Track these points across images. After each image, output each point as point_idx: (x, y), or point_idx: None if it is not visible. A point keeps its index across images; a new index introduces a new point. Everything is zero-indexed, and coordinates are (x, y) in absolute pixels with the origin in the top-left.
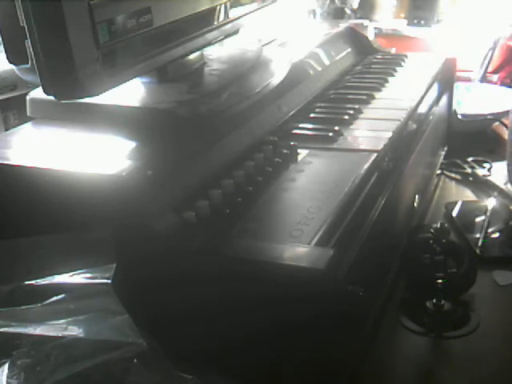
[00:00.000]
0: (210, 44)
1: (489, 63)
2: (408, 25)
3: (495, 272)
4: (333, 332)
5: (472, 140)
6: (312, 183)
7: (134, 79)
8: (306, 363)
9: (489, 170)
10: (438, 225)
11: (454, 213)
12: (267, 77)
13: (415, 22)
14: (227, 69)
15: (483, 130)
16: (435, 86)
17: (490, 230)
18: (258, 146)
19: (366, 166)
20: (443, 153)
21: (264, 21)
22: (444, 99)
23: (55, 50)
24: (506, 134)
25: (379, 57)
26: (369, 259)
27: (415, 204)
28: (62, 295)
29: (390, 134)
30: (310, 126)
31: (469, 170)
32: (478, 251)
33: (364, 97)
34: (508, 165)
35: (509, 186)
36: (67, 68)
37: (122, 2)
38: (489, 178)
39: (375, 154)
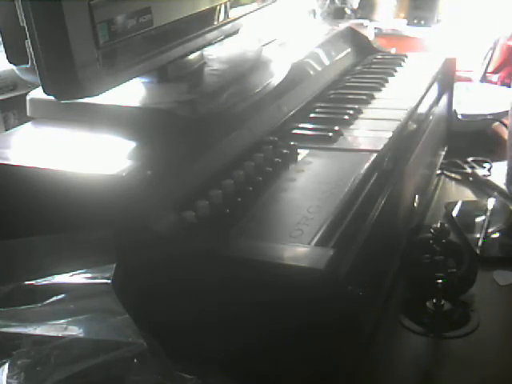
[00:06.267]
0: (210, 44)
1: (489, 63)
2: (408, 25)
3: (495, 272)
4: (333, 332)
5: (472, 140)
6: (312, 183)
7: (134, 79)
8: (305, 363)
9: (489, 170)
10: (438, 225)
11: (454, 213)
12: (267, 77)
13: (415, 21)
14: (227, 69)
15: (483, 130)
16: (435, 86)
17: (490, 230)
18: (258, 145)
19: (366, 165)
20: (443, 153)
21: (264, 21)
22: (444, 99)
23: (55, 50)
24: (505, 134)
25: (379, 57)
26: (369, 259)
27: (415, 204)
28: (62, 295)
29: (390, 134)
30: (309, 126)
31: (469, 170)
32: (478, 251)
33: (364, 97)
34: (509, 168)
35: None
36: (67, 68)
37: (122, 2)
38: (489, 178)
39: (375, 154)
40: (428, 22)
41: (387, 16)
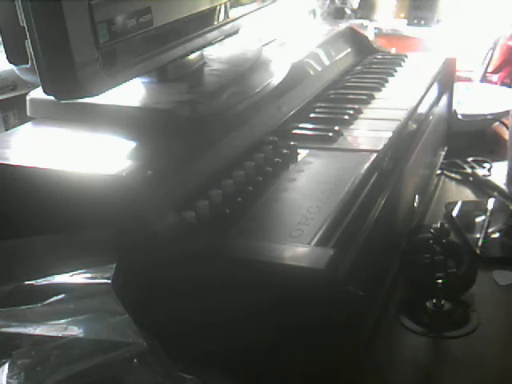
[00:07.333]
0: (210, 44)
1: (489, 63)
2: (408, 25)
3: (495, 272)
4: (333, 332)
5: (472, 140)
6: (312, 183)
7: (134, 79)
8: (305, 362)
9: (489, 170)
10: (438, 225)
11: (454, 213)
12: (267, 77)
13: (415, 22)
14: (227, 69)
15: (483, 130)
16: (435, 86)
17: (490, 230)
18: (258, 145)
19: (366, 166)
20: (443, 153)
21: (264, 21)
22: (444, 99)
23: (55, 49)
24: (506, 134)
25: (379, 57)
26: (369, 259)
27: (415, 204)
28: (62, 295)
29: (390, 134)
30: (310, 126)
31: (469, 170)
32: (478, 251)
33: (364, 97)
34: (509, 168)
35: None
36: (67, 68)
37: (122, 2)
38: (489, 178)
39: (375, 154)
40: (428, 22)
41: (387, 16)
